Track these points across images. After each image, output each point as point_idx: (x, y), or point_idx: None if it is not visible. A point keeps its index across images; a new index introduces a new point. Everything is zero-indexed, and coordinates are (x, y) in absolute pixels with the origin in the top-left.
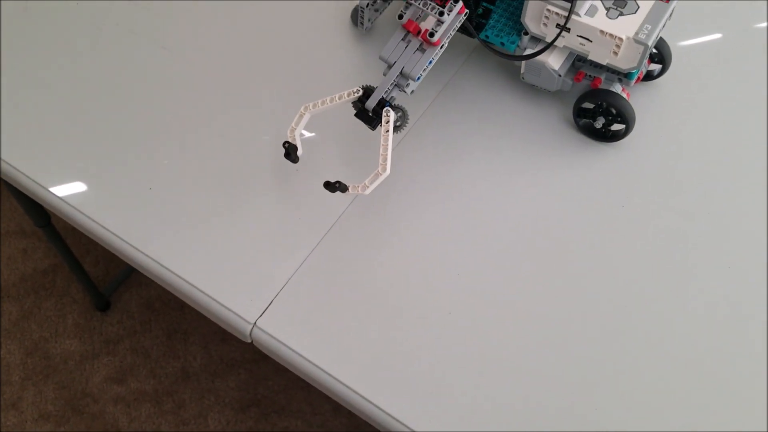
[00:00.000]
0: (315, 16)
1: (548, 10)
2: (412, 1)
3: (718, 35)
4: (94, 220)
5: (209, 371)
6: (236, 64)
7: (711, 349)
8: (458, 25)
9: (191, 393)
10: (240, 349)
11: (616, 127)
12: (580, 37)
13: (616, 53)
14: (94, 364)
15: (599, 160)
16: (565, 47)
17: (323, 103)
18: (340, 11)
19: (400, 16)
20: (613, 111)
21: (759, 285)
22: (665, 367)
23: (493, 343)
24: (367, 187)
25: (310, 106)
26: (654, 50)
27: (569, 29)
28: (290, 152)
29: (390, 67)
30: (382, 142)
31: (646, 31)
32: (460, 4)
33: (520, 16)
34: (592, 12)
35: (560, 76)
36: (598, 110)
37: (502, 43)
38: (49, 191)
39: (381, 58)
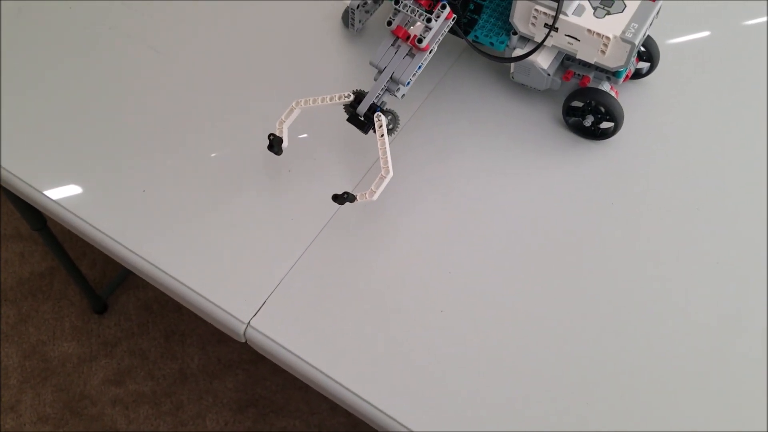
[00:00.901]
0: (306, 17)
1: (536, 10)
2: (401, 8)
3: (706, 33)
4: (88, 223)
5: (207, 372)
6: (228, 66)
7: (711, 350)
8: (446, 30)
9: (189, 394)
10: (237, 350)
11: (605, 125)
12: (568, 36)
13: (603, 52)
14: (92, 367)
15: (589, 157)
16: (553, 46)
17: (315, 101)
18: (330, 12)
19: (389, 23)
20: (602, 109)
21: (752, 281)
22: (662, 365)
23: (485, 340)
24: (374, 192)
25: (302, 102)
26: (642, 48)
27: (557, 29)
28: (274, 144)
29: (380, 72)
30: (379, 146)
31: (633, 30)
32: (448, 9)
33: (508, 16)
34: (579, 11)
35: (549, 75)
36: (587, 109)
37: (492, 43)
38: (44, 194)
39: (371, 64)
